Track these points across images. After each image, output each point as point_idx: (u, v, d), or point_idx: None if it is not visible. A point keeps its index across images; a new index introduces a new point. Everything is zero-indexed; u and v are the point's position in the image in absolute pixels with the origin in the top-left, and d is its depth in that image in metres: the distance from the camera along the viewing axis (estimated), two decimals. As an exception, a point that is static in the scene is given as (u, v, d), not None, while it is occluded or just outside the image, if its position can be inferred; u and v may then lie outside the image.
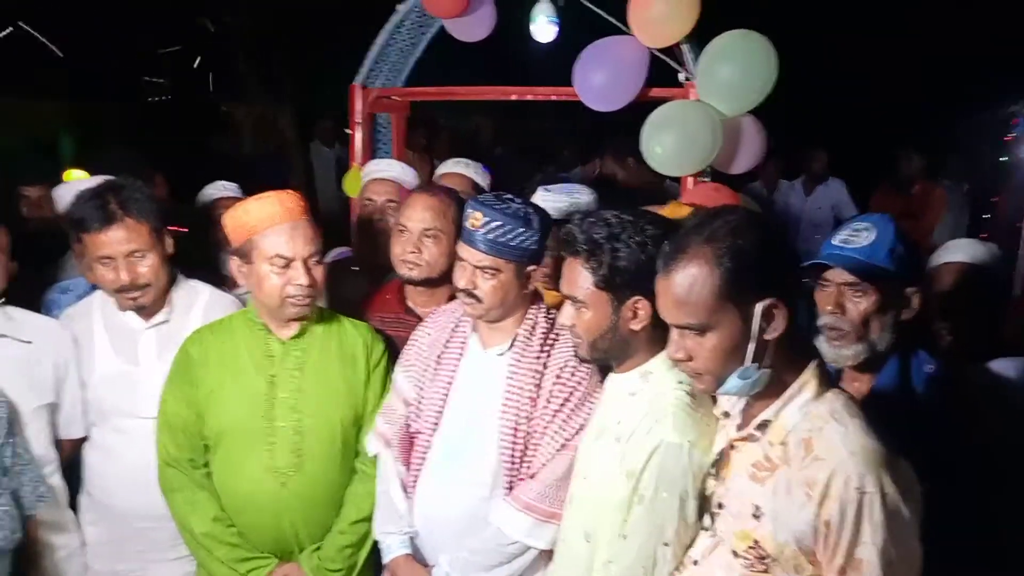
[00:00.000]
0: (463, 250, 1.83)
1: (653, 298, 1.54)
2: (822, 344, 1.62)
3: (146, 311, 2.16)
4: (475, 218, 1.80)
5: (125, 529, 2.14)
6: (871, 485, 1.18)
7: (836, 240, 1.65)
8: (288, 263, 1.89)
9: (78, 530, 2.17)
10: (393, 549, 1.92)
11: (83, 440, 2.20)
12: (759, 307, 1.24)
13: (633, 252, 1.54)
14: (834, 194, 5.74)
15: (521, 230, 1.79)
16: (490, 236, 1.78)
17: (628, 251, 1.54)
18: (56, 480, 2.11)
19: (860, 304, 1.59)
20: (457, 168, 2.93)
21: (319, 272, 1.93)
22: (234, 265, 1.96)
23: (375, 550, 2.01)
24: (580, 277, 1.58)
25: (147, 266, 2.08)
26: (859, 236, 1.62)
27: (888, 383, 1.61)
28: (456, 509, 1.86)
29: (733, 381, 1.28)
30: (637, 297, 1.56)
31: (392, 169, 2.72)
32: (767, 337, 1.26)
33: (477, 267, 1.81)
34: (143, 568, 2.16)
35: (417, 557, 1.92)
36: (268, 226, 1.88)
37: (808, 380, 1.30)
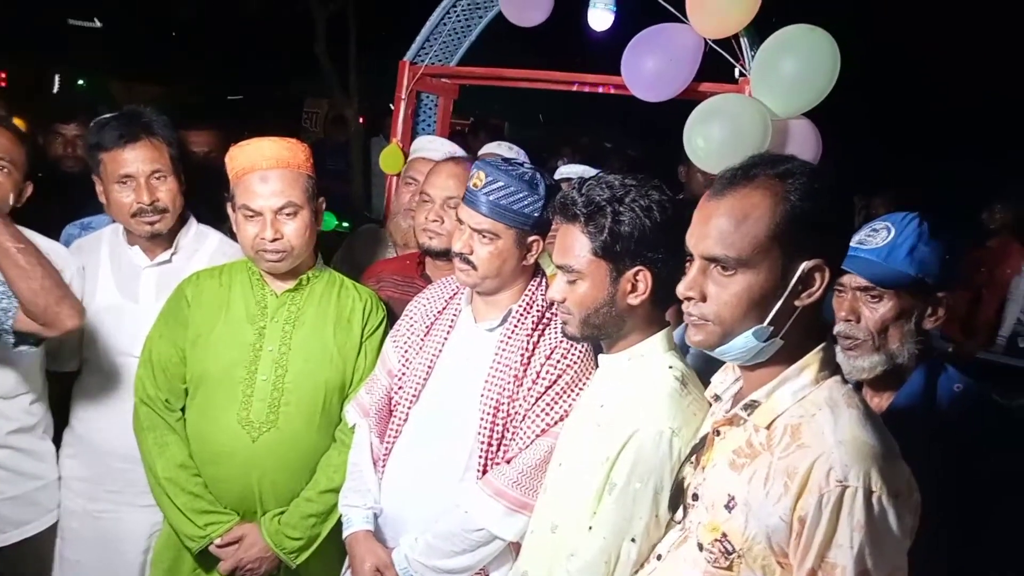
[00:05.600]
0: (463, 211, 1.73)
1: (655, 269, 1.40)
2: (837, 354, 1.44)
3: (151, 248, 2.13)
4: (478, 178, 1.69)
5: (103, 467, 2.10)
6: (855, 479, 1.01)
7: (853, 241, 1.49)
8: (256, 215, 1.84)
9: (55, 464, 2.13)
10: (354, 523, 1.80)
11: (76, 374, 2.16)
12: (806, 264, 1.09)
13: (637, 217, 1.41)
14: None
15: (524, 194, 1.67)
16: (491, 197, 1.67)
17: (631, 215, 1.41)
18: (38, 409, 2.08)
19: (876, 311, 1.44)
20: (500, 150, 2.84)
21: (293, 227, 1.86)
22: (228, 209, 1.92)
23: (341, 525, 1.89)
24: (577, 244, 1.45)
25: (167, 189, 2.05)
26: (876, 236, 1.48)
27: (909, 399, 1.44)
28: (426, 489, 1.75)
29: (743, 339, 1.12)
30: (638, 268, 1.42)
31: (444, 149, 2.58)
32: (797, 303, 1.11)
33: (475, 230, 1.70)
34: (115, 511, 2.10)
35: (380, 536, 1.79)
36: (245, 174, 1.85)
37: (810, 363, 1.14)
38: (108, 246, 2.18)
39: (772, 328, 1.11)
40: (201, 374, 1.92)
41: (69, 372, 2.15)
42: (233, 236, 2.10)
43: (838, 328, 1.47)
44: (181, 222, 2.17)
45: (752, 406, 1.14)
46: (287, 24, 7.66)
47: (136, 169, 2.01)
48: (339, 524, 1.88)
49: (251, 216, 1.84)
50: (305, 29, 6.84)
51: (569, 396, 1.66)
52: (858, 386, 1.52)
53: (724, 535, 1.11)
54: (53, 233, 2.36)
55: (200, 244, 2.20)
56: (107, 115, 2.09)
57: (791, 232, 1.08)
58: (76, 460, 2.13)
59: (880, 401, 1.49)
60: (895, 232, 1.45)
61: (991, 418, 1.46)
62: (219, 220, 2.22)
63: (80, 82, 9.53)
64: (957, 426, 1.40)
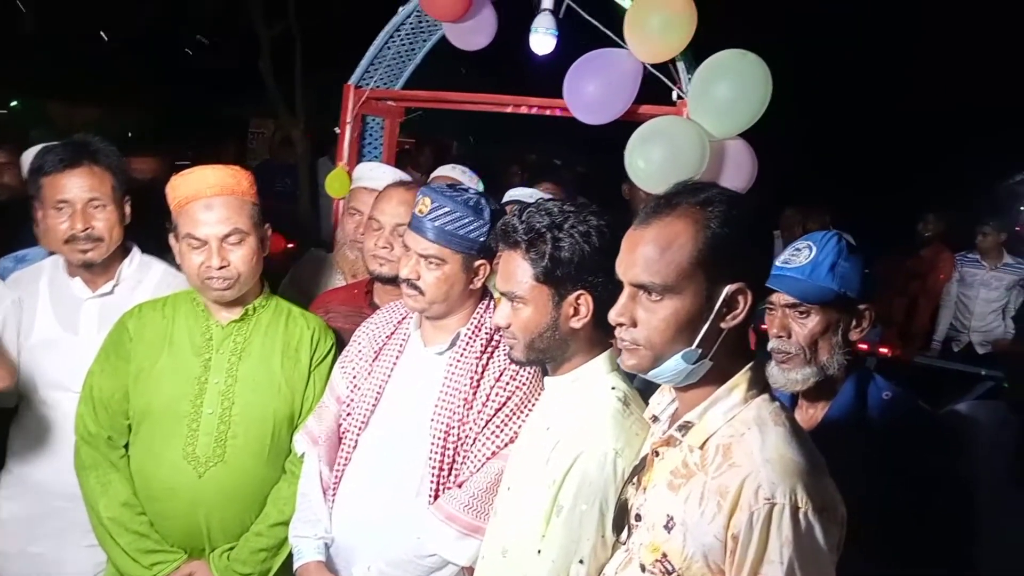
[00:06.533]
0: (409, 237, 1.75)
1: (596, 292, 1.44)
2: (772, 368, 1.53)
3: (92, 279, 2.08)
4: (423, 204, 1.71)
5: (43, 506, 2.04)
6: (782, 496, 1.05)
7: (779, 261, 1.58)
8: (202, 244, 1.82)
9: (-7, 505, 2.07)
10: (305, 554, 1.78)
11: (12, 411, 2.10)
12: (729, 288, 1.13)
13: (576, 242, 1.44)
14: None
15: (470, 219, 1.70)
16: (437, 223, 1.69)
17: (571, 241, 1.45)
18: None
19: (805, 326, 1.52)
20: (454, 173, 2.85)
21: (240, 254, 1.85)
22: (171, 240, 1.90)
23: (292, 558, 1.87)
24: (519, 270, 1.48)
25: (103, 219, 2.01)
26: (799, 255, 1.56)
27: (842, 409, 1.51)
28: (378, 516, 1.74)
29: (673, 362, 1.16)
30: (579, 291, 1.46)
31: (385, 177, 2.57)
32: (723, 325, 1.15)
33: (422, 256, 1.72)
34: (56, 552, 2.04)
35: (331, 567, 1.78)
36: (188, 202, 1.84)
37: (739, 383, 1.18)
38: (48, 277, 2.13)
39: (700, 350, 1.15)
40: (144, 409, 1.88)
41: (5, 409, 2.09)
42: (178, 267, 2.07)
43: (771, 344, 1.54)
44: (124, 252, 2.14)
45: (686, 427, 1.18)
46: (232, 43, 7.58)
47: (73, 195, 1.97)
48: (291, 556, 1.85)
49: (196, 245, 1.83)
50: (251, 48, 6.77)
51: (519, 418, 1.68)
52: (794, 399, 1.59)
53: (664, 555, 1.14)
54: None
55: (144, 275, 2.16)
56: (54, 142, 2.05)
57: (713, 258, 1.13)
58: (13, 502, 2.06)
59: (815, 412, 1.56)
60: (816, 250, 1.53)
61: (921, 424, 1.54)
62: (163, 250, 2.18)
63: (14, 103, 9.22)
64: (890, 433, 1.48)
